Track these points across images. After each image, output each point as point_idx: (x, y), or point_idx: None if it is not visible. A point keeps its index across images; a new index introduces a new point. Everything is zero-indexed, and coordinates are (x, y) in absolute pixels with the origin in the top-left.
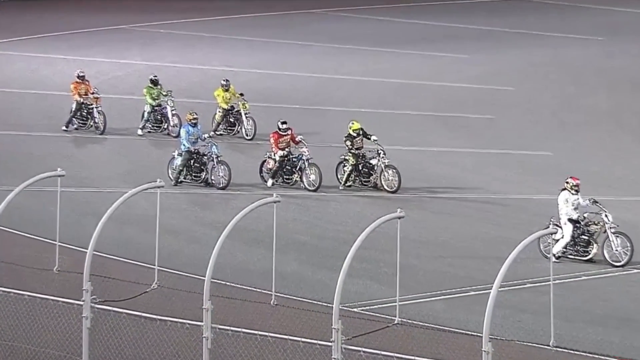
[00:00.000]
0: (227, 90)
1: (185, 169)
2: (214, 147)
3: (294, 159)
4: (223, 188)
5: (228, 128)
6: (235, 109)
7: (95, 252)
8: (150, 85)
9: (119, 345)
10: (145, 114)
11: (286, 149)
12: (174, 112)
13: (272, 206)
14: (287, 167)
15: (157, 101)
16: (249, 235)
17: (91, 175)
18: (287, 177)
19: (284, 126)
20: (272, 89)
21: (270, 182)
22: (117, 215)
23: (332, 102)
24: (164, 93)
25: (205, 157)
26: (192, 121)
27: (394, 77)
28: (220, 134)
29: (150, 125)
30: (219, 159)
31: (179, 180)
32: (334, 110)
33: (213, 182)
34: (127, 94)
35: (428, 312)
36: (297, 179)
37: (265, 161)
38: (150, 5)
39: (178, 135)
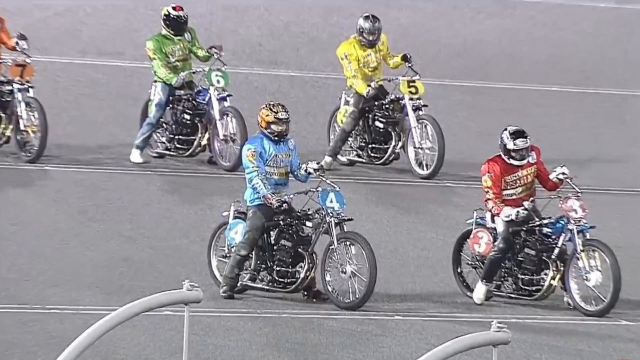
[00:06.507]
0: (370, 46)
1: (256, 254)
2: (332, 195)
3: (547, 231)
4: (354, 306)
5: (370, 145)
6: (393, 97)
7: None
8: (167, 32)
9: None
10: (154, 110)
11: (526, 204)
12: (226, 103)
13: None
14: (530, 250)
15: (184, 74)
16: None
17: (13, 269)
18: (528, 276)
19: (520, 143)
20: (481, 44)
21: (482, 290)
22: None
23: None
24: (201, 52)
25: (309, 224)
26: (275, 128)
27: None
28: (349, 161)
29: (165, 140)
30: (343, 225)
31: (238, 283)
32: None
33: (330, 290)
34: (103, 57)
35: None
36: (555, 282)
37: (468, 235)
38: None
39: (237, 165)
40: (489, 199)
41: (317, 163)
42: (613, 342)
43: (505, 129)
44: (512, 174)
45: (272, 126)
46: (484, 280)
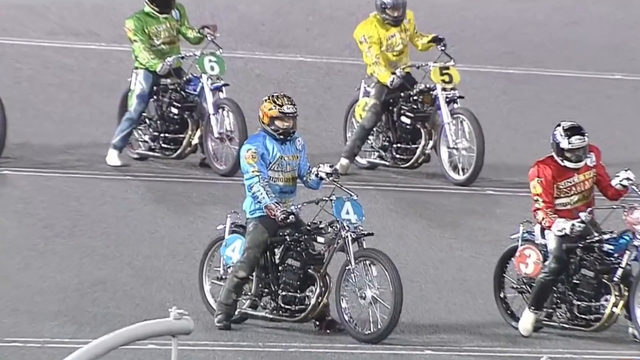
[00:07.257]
0: (395, 24)
1: (257, 275)
2: (348, 204)
3: (608, 249)
4: (376, 339)
5: (395, 145)
6: (422, 87)
7: None
8: (151, 9)
9: None
10: (135, 103)
11: (582, 215)
12: (221, 94)
13: None
14: (587, 272)
15: (170, 60)
16: None
17: None
18: (585, 302)
19: (576, 142)
20: (527, 24)
21: (530, 320)
22: None
23: None
24: (192, 34)
25: (321, 240)
26: (280, 124)
27: None
28: (370, 164)
29: (148, 138)
30: (362, 240)
31: (236, 310)
32: None
33: (347, 319)
34: (75, 39)
35: None
36: (617, 309)
37: (513, 253)
38: None
39: (235, 169)
40: (538, 209)
41: (331, 166)
42: None
43: (559, 125)
44: (567, 179)
45: (277, 122)
46: (532, 308)
